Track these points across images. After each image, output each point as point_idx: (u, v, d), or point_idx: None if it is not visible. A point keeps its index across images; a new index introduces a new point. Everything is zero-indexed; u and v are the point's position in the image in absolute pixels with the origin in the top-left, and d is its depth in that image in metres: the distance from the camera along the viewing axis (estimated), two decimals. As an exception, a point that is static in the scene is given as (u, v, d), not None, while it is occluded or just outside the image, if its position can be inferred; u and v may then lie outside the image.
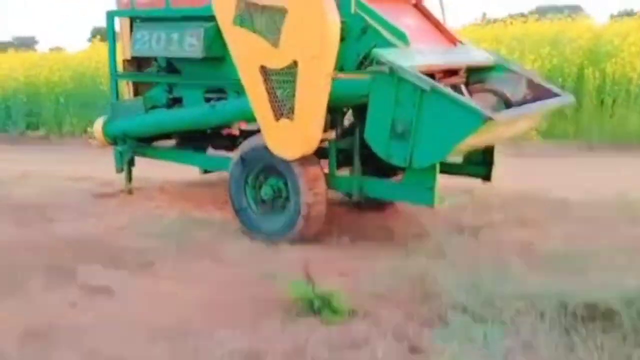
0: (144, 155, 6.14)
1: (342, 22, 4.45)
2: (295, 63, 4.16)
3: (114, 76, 6.15)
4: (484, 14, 24.58)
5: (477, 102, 4.68)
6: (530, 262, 4.27)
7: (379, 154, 4.20)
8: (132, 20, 5.91)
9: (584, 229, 5.04)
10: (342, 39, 4.49)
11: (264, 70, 4.32)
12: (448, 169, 5.28)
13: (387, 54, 4.07)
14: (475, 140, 4.08)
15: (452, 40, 5.09)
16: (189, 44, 5.21)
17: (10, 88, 13.02)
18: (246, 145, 4.84)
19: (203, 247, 4.78)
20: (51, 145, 11.79)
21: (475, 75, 5.09)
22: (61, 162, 9.12)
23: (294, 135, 4.32)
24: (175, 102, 5.75)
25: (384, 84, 4.03)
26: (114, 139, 6.06)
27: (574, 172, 7.51)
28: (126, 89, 6.37)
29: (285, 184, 4.70)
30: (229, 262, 4.46)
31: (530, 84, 4.94)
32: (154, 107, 5.84)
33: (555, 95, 4.86)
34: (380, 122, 4.08)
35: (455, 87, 4.79)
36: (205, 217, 5.52)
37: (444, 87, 3.89)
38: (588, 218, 5.33)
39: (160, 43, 5.43)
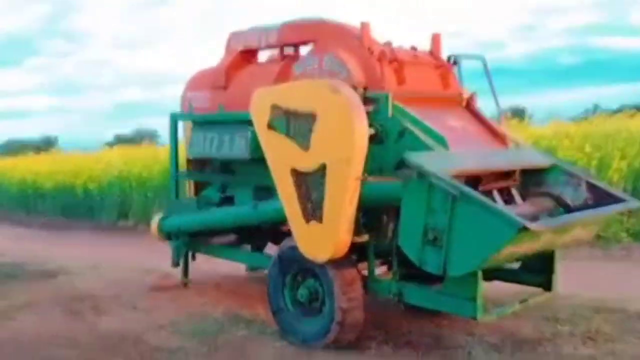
0: (198, 251, 6.23)
1: (380, 125, 4.42)
2: (324, 166, 4.11)
3: (174, 176, 6.37)
4: (596, 107, 23.21)
5: (529, 207, 4.43)
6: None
7: (413, 260, 3.98)
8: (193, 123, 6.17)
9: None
10: (381, 142, 4.44)
11: (294, 172, 4.30)
12: (504, 275, 4.94)
13: (418, 158, 3.92)
14: (518, 249, 3.78)
15: (503, 141, 4.87)
16: (238, 146, 5.34)
17: (105, 181, 13.91)
18: (284, 244, 4.76)
19: (235, 349, 4.67)
20: (137, 236, 12.33)
21: (532, 178, 4.80)
22: (138, 252, 9.44)
23: (323, 238, 4.21)
24: (228, 200, 5.84)
25: (415, 188, 3.87)
26: (168, 235, 6.20)
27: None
28: (188, 187, 6.56)
29: (322, 285, 4.55)
30: (257, 367, 4.31)
31: (591, 187, 4.58)
32: (207, 205, 5.96)
33: (618, 199, 4.46)
34: (413, 227, 3.89)
35: (504, 191, 4.54)
36: (249, 317, 5.41)
37: (477, 193, 3.66)
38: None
39: (213, 145, 5.61)
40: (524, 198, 4.68)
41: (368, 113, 4.49)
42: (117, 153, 15.76)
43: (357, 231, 4.29)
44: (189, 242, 6.15)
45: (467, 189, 3.67)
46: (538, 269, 4.75)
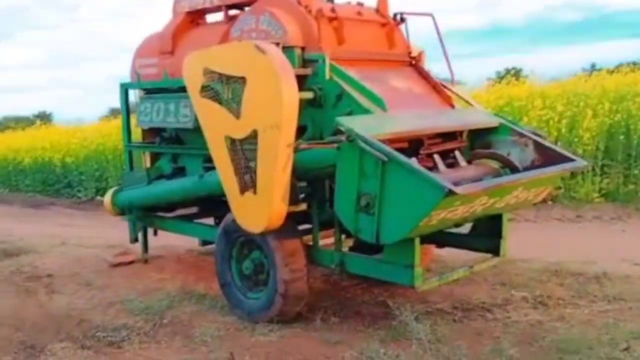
0: (151, 226, 6.07)
1: (319, 89, 4.25)
2: (255, 133, 3.92)
3: (126, 147, 6.18)
4: (593, 65, 22.76)
5: (473, 170, 4.27)
6: (525, 354, 3.71)
7: (348, 228, 3.84)
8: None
9: (611, 312, 4.37)
10: (320, 106, 4.28)
11: (228, 140, 4.11)
12: (454, 241, 4.81)
13: (349, 122, 3.74)
14: (452, 215, 3.62)
15: (449, 102, 4.69)
16: (183, 114, 5.16)
17: (82, 156, 13.70)
18: (229, 216, 4.60)
19: (181, 325, 4.56)
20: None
21: (480, 139, 4.63)
22: (110, 229, 9.30)
23: (257, 208, 4.04)
24: (180, 171, 5.67)
25: (347, 154, 3.69)
26: (122, 209, 6.04)
27: (634, 241, 6.68)
28: (144, 159, 6.38)
29: (266, 257, 4.41)
30: (198, 343, 4.20)
31: (539, 147, 4.41)
32: (161, 177, 5.79)
33: (567, 159, 4.29)
34: (347, 194, 3.73)
35: (449, 153, 4.37)
36: (202, 292, 5.28)
37: (404, 157, 3.48)
38: (620, 298, 4.64)
39: (159, 114, 5.43)
40: (471, 160, 4.52)
41: (306, 75, 4.32)
42: (91, 127, 15.52)
43: (294, 200, 4.13)
44: (143, 216, 5.99)
45: (395, 153, 3.49)
46: (487, 234, 4.59)
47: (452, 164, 4.33)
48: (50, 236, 8.63)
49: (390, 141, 3.88)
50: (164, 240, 6.57)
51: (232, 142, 4.10)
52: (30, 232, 9.31)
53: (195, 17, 5.71)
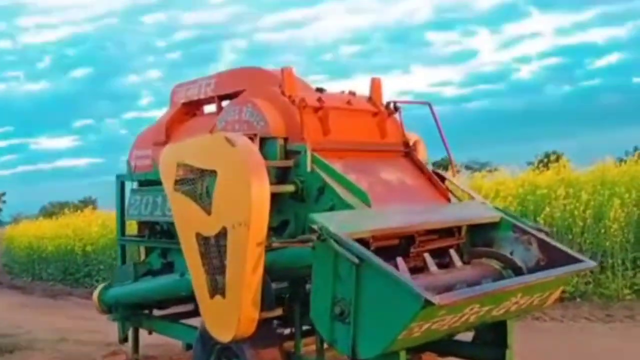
0: (138, 325, 5.71)
1: (301, 182, 3.98)
2: (225, 231, 3.62)
3: (119, 240, 5.95)
4: (636, 148, 21.26)
5: (470, 271, 3.86)
6: None
7: (325, 338, 3.43)
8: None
9: None
10: (302, 200, 3.99)
11: (199, 238, 3.82)
12: (457, 350, 4.32)
13: (324, 219, 3.42)
14: (438, 325, 3.19)
15: (445, 195, 4.34)
16: (169, 207, 4.91)
17: (101, 244, 13.57)
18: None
19: None
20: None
21: (481, 235, 4.24)
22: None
23: (226, 314, 3.68)
24: (169, 267, 5.37)
25: (322, 254, 3.35)
26: (109, 307, 5.72)
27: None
28: (139, 252, 6.13)
29: (246, 367, 3.99)
30: None
31: (544, 245, 3.99)
32: (150, 273, 5.50)
33: (574, 259, 3.85)
34: (322, 299, 3.36)
35: (443, 252, 3.98)
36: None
37: (380, 260, 3.11)
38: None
39: (147, 207, 5.21)
40: (469, 259, 4.11)
41: (288, 167, 4.07)
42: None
43: (269, 304, 3.76)
44: (129, 314, 5.64)
45: (369, 255, 3.13)
46: (492, 342, 4.11)
47: (448, 264, 3.94)
48: (57, 330, 8.37)
49: (375, 239, 3.55)
50: (161, 338, 6.19)
51: (203, 240, 3.81)
52: (39, 325, 9.08)
53: (192, 108, 5.60)
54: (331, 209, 3.81)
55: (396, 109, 4.70)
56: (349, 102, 4.53)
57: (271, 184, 3.95)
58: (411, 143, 4.69)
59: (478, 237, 4.26)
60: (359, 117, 4.53)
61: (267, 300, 3.72)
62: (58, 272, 15.15)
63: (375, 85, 4.76)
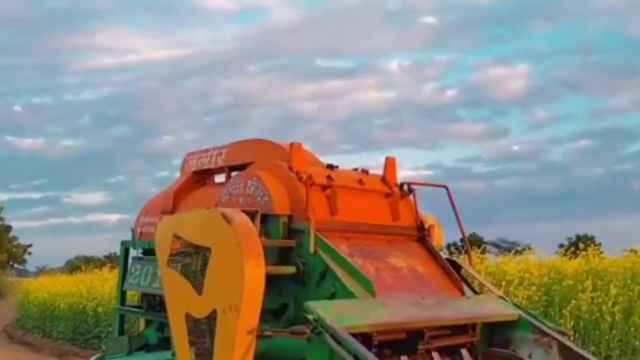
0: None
1: (302, 263, 3.73)
2: (215, 314, 3.36)
3: (117, 309, 5.72)
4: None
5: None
6: None
7: None
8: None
9: None
10: (304, 283, 3.74)
11: (188, 319, 3.55)
12: None
13: (321, 308, 3.15)
14: None
15: (459, 287, 4.04)
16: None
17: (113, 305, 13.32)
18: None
19: None
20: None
21: (498, 333, 3.92)
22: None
23: (210, 406, 3.36)
24: (166, 342, 5.09)
25: (317, 348, 3.07)
26: (99, 382, 5.43)
27: None
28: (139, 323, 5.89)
29: None
30: None
31: (564, 350, 3.64)
32: (145, 347, 5.23)
33: (596, 367, 3.50)
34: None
35: (455, 350, 3.65)
36: None
37: (373, 358, 2.81)
38: None
39: (147, 278, 5.00)
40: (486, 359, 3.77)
41: (291, 247, 3.83)
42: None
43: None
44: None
45: (363, 351, 2.84)
46: None
47: (456, 364, 3.60)
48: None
49: (379, 333, 3.26)
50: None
51: (193, 321, 3.54)
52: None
53: (203, 177, 5.45)
54: (332, 295, 3.54)
55: (410, 190, 4.47)
56: (360, 181, 4.32)
57: (272, 264, 3.73)
58: (426, 226, 4.44)
59: (494, 336, 3.94)
60: (370, 197, 4.31)
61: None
62: (68, 331, 14.91)
63: (390, 165, 4.55)
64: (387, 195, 4.38)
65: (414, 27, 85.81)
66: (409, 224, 4.38)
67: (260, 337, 3.36)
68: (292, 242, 3.80)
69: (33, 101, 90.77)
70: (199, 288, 3.51)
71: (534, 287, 7.93)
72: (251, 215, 3.72)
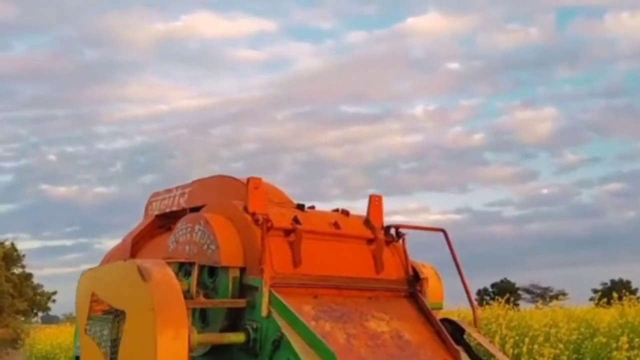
0: None
1: (254, 330, 2.96)
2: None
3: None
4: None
5: None
6: None
7: None
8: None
9: None
10: (255, 355, 2.95)
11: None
12: None
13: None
14: None
15: (456, 356, 3.20)
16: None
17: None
18: None
19: None
20: None
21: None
22: None
23: None
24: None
25: None
26: None
27: None
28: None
29: None
30: None
31: None
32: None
33: None
34: None
35: None
36: None
37: None
38: None
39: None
40: None
41: (242, 309, 3.06)
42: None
43: None
44: None
45: None
46: None
47: None
48: None
49: None
50: None
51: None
52: None
53: (167, 221, 4.73)
54: None
55: (399, 235, 3.69)
56: (335, 224, 3.55)
57: (219, 329, 2.99)
58: (421, 278, 3.64)
59: None
60: (347, 244, 3.53)
61: None
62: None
63: (375, 205, 3.77)
64: (370, 241, 3.60)
65: (438, 73, 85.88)
66: (397, 277, 3.59)
67: None
68: (242, 302, 3.04)
69: (67, 150, 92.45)
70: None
71: (561, 346, 6.95)
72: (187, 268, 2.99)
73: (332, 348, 2.75)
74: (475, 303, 3.81)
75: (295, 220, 3.35)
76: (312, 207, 3.81)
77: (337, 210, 3.86)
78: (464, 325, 3.68)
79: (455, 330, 3.73)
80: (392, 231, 3.68)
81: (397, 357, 3.04)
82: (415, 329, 3.31)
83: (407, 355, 3.09)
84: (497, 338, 7.01)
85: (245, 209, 3.27)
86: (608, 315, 8.26)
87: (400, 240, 3.69)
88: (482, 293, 35.87)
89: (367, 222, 3.73)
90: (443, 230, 3.86)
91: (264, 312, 2.94)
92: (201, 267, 3.25)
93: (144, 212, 4.91)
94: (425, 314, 3.44)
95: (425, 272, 4.10)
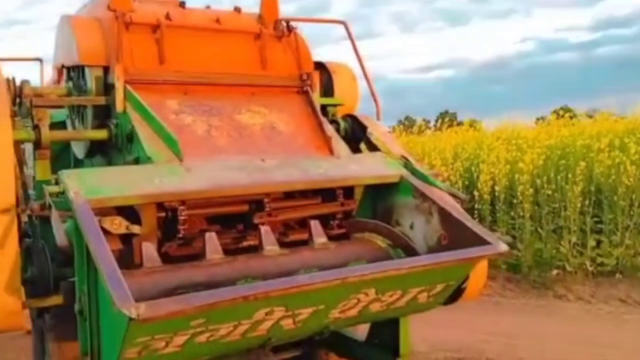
0: None
1: (114, 126, 2.97)
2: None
3: None
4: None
5: (333, 252, 2.72)
6: None
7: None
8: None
9: None
10: (119, 150, 2.99)
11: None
12: (347, 349, 3.26)
13: (75, 177, 2.39)
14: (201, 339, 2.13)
15: (328, 145, 3.14)
16: None
17: None
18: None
19: None
20: None
21: (382, 200, 3.08)
22: None
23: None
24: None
25: (74, 229, 2.36)
26: None
27: None
28: None
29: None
30: None
31: (446, 219, 2.75)
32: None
33: (481, 240, 2.59)
34: (79, 287, 2.38)
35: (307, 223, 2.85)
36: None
37: (98, 244, 2.06)
38: None
39: None
40: (353, 232, 2.97)
41: (101, 106, 3.06)
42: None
43: (43, 289, 2.79)
44: None
45: (91, 236, 2.10)
46: (387, 344, 3.01)
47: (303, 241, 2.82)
48: None
49: (193, 206, 2.54)
50: None
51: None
52: None
53: None
54: (136, 161, 2.80)
55: (290, 29, 3.50)
56: (217, 21, 3.39)
57: (92, 127, 3.03)
58: (310, 72, 3.51)
59: (378, 203, 3.11)
60: (229, 39, 3.38)
61: (40, 284, 2.76)
62: None
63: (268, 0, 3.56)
64: (257, 36, 3.44)
65: None
66: (288, 73, 3.46)
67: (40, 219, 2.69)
68: (100, 100, 3.02)
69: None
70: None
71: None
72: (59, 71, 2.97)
73: (175, 136, 2.74)
74: (378, 95, 3.67)
75: (167, 17, 3.21)
76: (208, 7, 3.65)
77: (238, 9, 3.68)
78: (365, 122, 3.61)
79: (357, 126, 3.67)
80: (283, 25, 3.50)
81: (262, 146, 3.00)
82: (295, 121, 3.25)
83: (275, 144, 3.06)
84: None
85: (108, 6, 3.14)
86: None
87: (292, 35, 3.52)
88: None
89: (259, 18, 3.56)
90: (343, 22, 3.66)
91: (118, 108, 2.92)
92: (71, 69, 3.24)
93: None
94: (311, 108, 3.35)
95: (338, 70, 3.98)
